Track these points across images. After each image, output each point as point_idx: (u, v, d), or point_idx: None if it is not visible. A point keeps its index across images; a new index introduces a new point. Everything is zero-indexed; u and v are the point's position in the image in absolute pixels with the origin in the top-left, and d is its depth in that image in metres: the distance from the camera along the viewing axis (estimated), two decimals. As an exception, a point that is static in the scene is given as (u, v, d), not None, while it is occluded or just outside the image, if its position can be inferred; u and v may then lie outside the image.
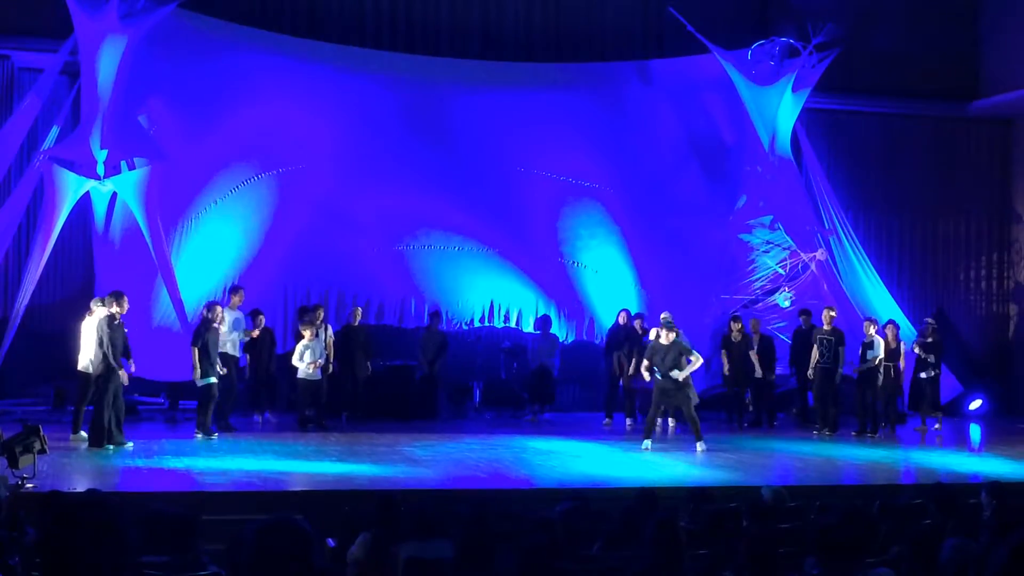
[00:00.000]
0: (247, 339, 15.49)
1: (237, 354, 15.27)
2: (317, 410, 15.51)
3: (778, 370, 17.82)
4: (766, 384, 17.32)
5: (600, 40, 19.52)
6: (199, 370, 13.90)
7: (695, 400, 14.03)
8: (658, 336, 14.20)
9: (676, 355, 13.88)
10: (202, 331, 13.97)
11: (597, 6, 19.58)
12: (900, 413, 17.13)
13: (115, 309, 12.95)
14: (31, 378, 16.39)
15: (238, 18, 17.61)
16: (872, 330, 16.22)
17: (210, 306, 14.35)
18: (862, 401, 16.24)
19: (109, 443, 12.72)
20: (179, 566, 5.54)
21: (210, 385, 13.99)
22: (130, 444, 12.95)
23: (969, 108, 20.65)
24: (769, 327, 18.43)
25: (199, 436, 13.89)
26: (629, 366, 17.04)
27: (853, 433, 15.98)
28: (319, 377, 15.39)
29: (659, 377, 13.94)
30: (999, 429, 17.78)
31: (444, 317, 17.90)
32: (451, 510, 7.11)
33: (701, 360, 14.36)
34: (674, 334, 14.03)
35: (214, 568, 5.62)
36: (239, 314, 15.42)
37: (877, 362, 16.08)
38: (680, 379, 13.82)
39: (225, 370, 14.43)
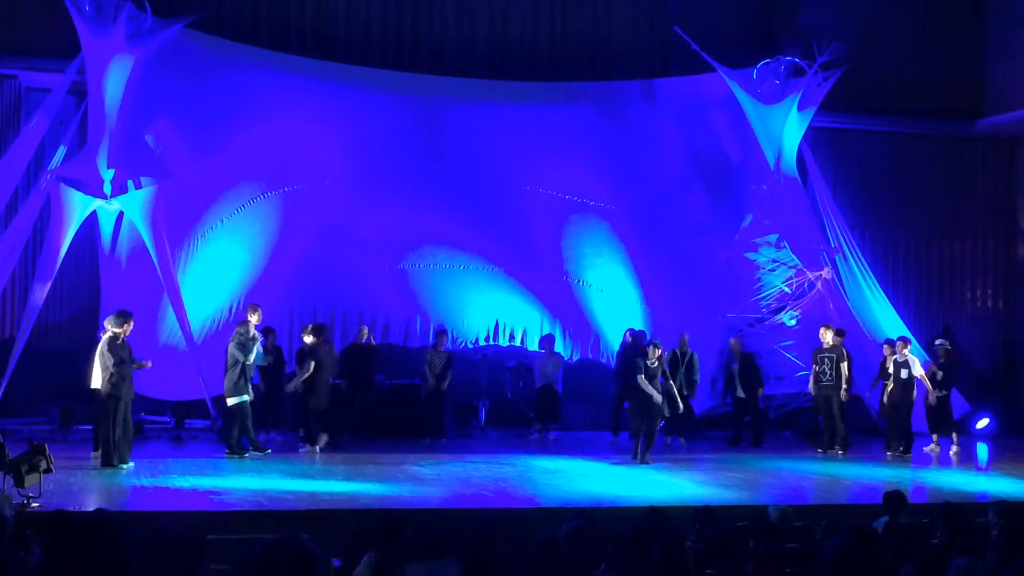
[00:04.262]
0: (267, 363, 15.35)
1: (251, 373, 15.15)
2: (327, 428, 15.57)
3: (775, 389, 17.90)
4: (750, 403, 17.25)
5: (606, 59, 19.56)
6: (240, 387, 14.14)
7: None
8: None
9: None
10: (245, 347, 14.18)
11: (603, 25, 19.62)
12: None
13: (116, 331, 13.00)
14: (37, 397, 16.38)
15: (244, 38, 17.67)
16: (906, 350, 16.22)
17: (243, 322, 14.44)
18: (897, 420, 16.22)
19: (121, 462, 12.80)
20: (184, 586, 5.52)
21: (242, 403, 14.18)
22: (131, 464, 12.95)
23: (974, 127, 20.65)
24: (775, 346, 18.41)
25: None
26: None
27: (890, 454, 16.02)
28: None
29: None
30: (1006, 448, 17.72)
31: (450, 336, 17.92)
32: (457, 530, 7.10)
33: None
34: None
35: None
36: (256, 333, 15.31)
37: (912, 380, 16.13)
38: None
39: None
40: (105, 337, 13.05)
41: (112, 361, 12.83)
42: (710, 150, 19.44)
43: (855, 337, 17.77)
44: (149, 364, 13.51)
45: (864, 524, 7.24)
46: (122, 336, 13.01)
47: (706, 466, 14.64)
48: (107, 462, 12.73)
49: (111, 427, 12.79)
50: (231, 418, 14.22)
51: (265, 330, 15.46)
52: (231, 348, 14.18)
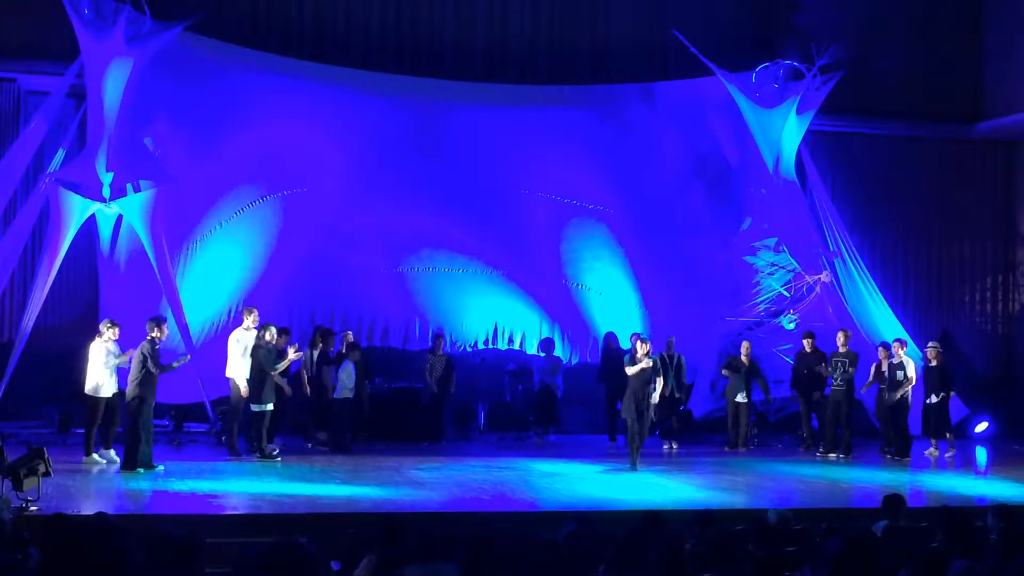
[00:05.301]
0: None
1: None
2: (348, 430, 15.63)
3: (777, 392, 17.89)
4: (752, 406, 17.28)
5: (605, 62, 19.54)
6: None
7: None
8: None
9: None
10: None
11: (602, 28, 19.61)
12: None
13: (155, 334, 13.10)
14: (36, 400, 16.37)
15: (243, 41, 17.66)
16: (903, 352, 16.22)
17: (265, 325, 14.42)
18: (895, 423, 16.18)
19: (141, 467, 12.83)
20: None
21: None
22: (161, 467, 13.01)
23: (974, 130, 20.65)
24: (773, 349, 18.39)
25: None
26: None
27: (889, 455, 16.04)
28: (351, 397, 15.48)
29: None
30: (1005, 451, 17.72)
31: (449, 339, 17.91)
32: (455, 533, 7.10)
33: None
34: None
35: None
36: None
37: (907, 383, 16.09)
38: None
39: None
40: (146, 341, 13.03)
41: (155, 367, 12.92)
42: (709, 153, 19.44)
43: (855, 340, 17.75)
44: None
45: (863, 527, 7.23)
46: (158, 341, 13.13)
47: (704, 469, 14.64)
48: (130, 467, 12.77)
49: (138, 433, 12.83)
50: (257, 421, 14.17)
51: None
52: (260, 357, 14.10)
